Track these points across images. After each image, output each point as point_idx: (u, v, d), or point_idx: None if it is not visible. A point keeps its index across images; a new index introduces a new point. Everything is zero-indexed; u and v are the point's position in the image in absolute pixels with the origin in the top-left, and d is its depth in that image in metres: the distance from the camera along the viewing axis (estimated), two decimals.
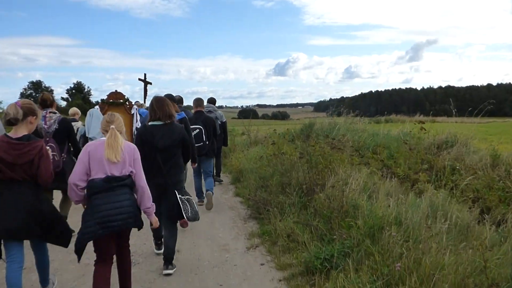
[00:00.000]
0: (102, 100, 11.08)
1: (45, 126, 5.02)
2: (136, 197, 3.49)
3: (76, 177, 3.27)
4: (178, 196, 4.28)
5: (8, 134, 3.33)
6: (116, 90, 11.00)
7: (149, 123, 4.37)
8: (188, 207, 4.32)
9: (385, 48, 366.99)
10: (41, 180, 3.35)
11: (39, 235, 3.39)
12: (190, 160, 5.10)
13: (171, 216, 4.36)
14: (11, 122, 3.31)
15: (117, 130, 3.43)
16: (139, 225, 3.51)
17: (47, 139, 4.87)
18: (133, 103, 11.12)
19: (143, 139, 4.29)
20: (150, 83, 13.05)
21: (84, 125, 8.17)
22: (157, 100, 4.42)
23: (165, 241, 4.46)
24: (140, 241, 5.41)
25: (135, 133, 9.85)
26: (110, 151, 3.30)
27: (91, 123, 7.72)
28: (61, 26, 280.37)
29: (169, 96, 5.59)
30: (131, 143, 3.60)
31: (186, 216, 4.23)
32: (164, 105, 4.35)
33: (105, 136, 3.43)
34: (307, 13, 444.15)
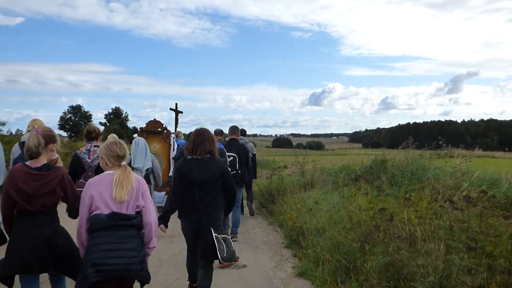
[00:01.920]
0: (140, 128, 11.05)
1: (89, 161, 4.75)
2: (143, 237, 3.09)
3: (84, 220, 2.97)
4: (214, 234, 3.87)
5: (27, 163, 3.17)
6: (154, 119, 10.92)
7: (188, 157, 4.09)
8: (224, 246, 3.87)
9: (423, 80, 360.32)
10: (71, 204, 3.41)
11: (53, 268, 3.22)
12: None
13: (206, 256, 4.00)
14: (33, 156, 3.16)
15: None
16: (145, 277, 2.99)
17: (89, 174, 4.53)
18: (171, 132, 11.11)
19: (181, 173, 4.03)
20: (181, 112, 12.87)
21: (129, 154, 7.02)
22: (197, 134, 4.11)
23: (199, 282, 4.09)
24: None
25: (172, 161, 10.15)
26: (119, 190, 2.96)
27: (137, 152, 6.93)
28: (105, 53, 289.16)
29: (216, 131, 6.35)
30: (139, 176, 3.21)
31: (220, 256, 3.79)
32: (204, 140, 4.05)
33: (109, 170, 3.11)
34: (344, 44, 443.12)
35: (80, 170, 4.70)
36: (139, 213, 3.05)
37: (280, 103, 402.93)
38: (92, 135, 4.97)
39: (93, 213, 2.95)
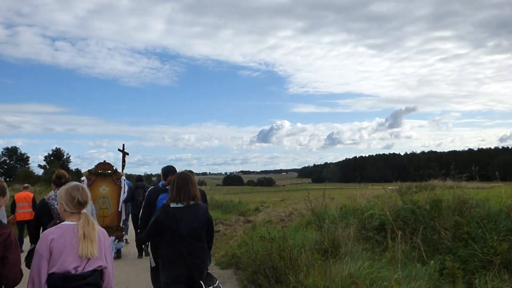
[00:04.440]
0: (89, 170, 10.50)
1: (57, 207, 3.97)
2: None
3: (44, 279, 2.52)
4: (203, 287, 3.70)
5: None
6: (104, 161, 10.69)
7: (171, 205, 3.72)
8: None
9: (366, 116, 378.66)
10: (7, 279, 2.55)
11: None
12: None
13: None
14: None
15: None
16: None
17: (57, 221, 3.64)
18: (121, 173, 10.70)
19: (165, 225, 3.67)
20: (127, 154, 12.33)
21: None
22: (180, 177, 3.82)
23: None
24: None
25: (121, 204, 9.88)
26: (87, 245, 2.58)
27: None
28: (48, 93, 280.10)
29: (170, 169, 5.11)
30: (102, 228, 2.88)
31: None
32: (188, 183, 3.76)
33: (67, 217, 2.74)
34: (291, 83, 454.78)
35: (46, 217, 4.30)
36: (96, 270, 2.68)
37: (229, 141, 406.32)
38: (62, 181, 4.63)
39: (50, 271, 2.58)
